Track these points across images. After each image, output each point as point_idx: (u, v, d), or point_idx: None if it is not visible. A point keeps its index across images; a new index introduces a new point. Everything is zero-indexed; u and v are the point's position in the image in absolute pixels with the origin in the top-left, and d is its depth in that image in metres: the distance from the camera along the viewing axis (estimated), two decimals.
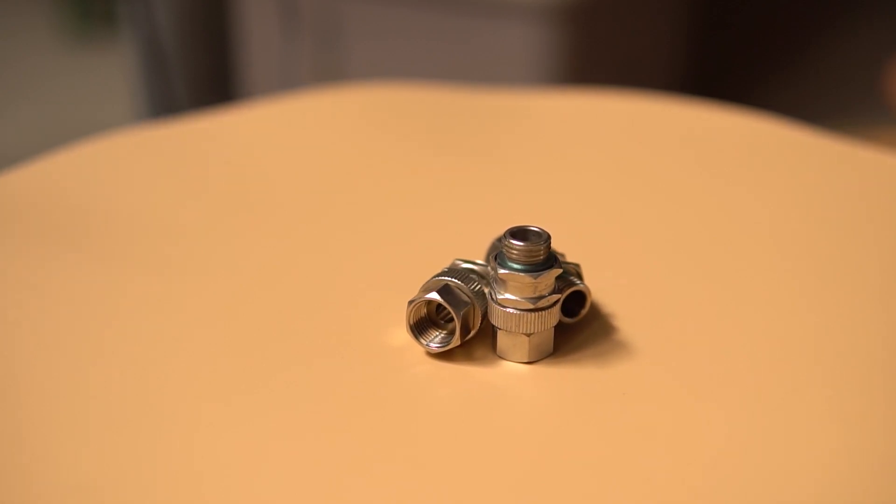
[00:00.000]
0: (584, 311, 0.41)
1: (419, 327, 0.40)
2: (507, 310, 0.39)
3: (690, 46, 1.63)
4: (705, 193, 0.53)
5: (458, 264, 0.41)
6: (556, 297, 0.39)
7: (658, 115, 0.60)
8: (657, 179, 0.54)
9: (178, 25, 1.42)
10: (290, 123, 0.59)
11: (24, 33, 2.03)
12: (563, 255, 0.42)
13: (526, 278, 0.38)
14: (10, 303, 0.43)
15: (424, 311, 0.40)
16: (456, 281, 0.40)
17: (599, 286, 0.43)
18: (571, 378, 0.39)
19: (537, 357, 0.40)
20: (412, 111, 0.60)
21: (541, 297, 0.39)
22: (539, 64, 1.22)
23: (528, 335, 0.39)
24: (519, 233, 0.39)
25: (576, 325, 0.41)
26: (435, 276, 0.40)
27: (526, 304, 0.39)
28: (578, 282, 0.41)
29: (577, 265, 0.41)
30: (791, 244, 0.48)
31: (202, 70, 1.46)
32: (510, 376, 0.39)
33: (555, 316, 0.39)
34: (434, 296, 0.39)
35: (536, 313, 0.39)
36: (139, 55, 1.44)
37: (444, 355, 0.40)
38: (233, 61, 1.45)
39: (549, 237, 0.39)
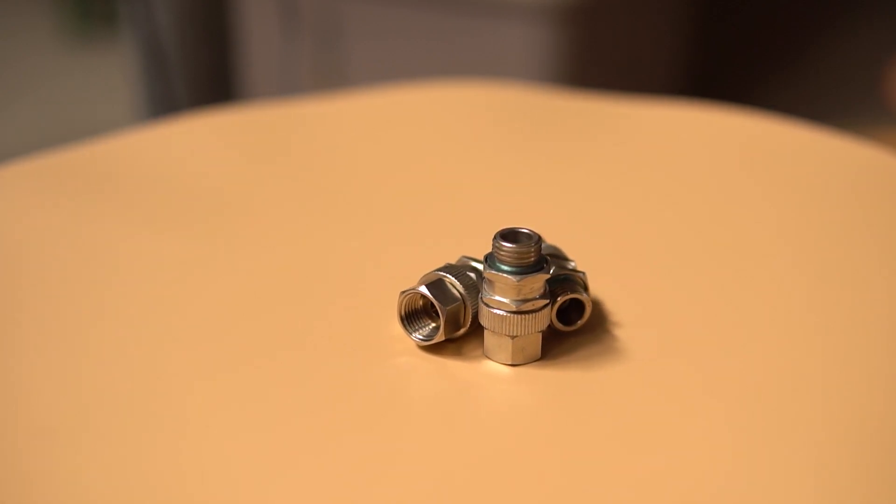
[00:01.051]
0: (580, 322, 0.41)
1: (411, 318, 0.40)
2: (493, 310, 0.39)
3: (690, 46, 1.63)
4: (705, 194, 0.53)
5: (465, 261, 0.41)
6: (542, 302, 0.39)
7: (662, 120, 0.60)
8: (663, 182, 0.54)
9: (178, 25, 1.42)
10: (387, 118, 0.59)
11: (25, 33, 2.03)
12: (571, 262, 0.41)
13: (510, 280, 0.39)
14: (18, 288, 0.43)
15: (420, 303, 0.40)
16: (451, 277, 0.40)
17: (601, 291, 0.43)
18: (552, 381, 0.39)
19: (522, 361, 0.40)
20: (513, 111, 0.61)
21: (526, 301, 0.39)
22: (539, 64, 1.22)
23: (512, 337, 0.39)
24: (509, 234, 0.39)
25: (574, 332, 0.41)
26: (435, 270, 0.40)
27: (510, 306, 0.39)
28: (581, 290, 0.40)
29: (584, 273, 0.41)
30: (791, 244, 0.48)
31: (202, 70, 1.46)
32: (489, 376, 0.39)
33: (542, 321, 0.39)
34: (422, 289, 0.39)
35: (520, 316, 0.39)
36: (139, 55, 1.44)
37: (434, 350, 0.40)
38: (233, 61, 1.45)
39: (539, 240, 0.39)
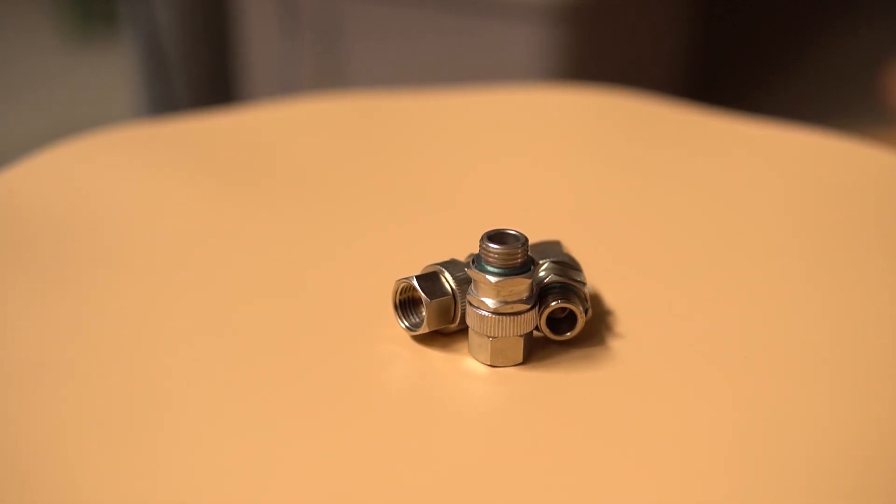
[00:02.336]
0: (569, 334, 0.40)
1: (405, 306, 0.41)
2: (473, 309, 0.39)
3: (690, 46, 1.63)
4: (704, 194, 0.53)
5: (472, 258, 0.41)
6: (524, 306, 0.39)
7: (660, 117, 0.60)
8: (659, 179, 0.54)
9: (178, 25, 1.43)
10: (498, 119, 0.60)
11: (26, 33, 2.03)
12: (581, 273, 0.41)
13: (489, 281, 0.39)
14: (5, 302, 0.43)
15: (415, 292, 0.41)
16: (447, 272, 0.40)
17: (613, 301, 0.43)
18: (528, 382, 0.39)
19: (502, 363, 0.40)
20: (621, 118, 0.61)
21: (506, 303, 0.39)
22: (539, 64, 1.22)
23: (490, 338, 0.39)
24: (496, 236, 0.39)
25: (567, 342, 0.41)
26: (437, 263, 0.41)
27: (489, 306, 0.39)
28: (577, 302, 0.40)
29: (587, 285, 0.41)
30: (790, 245, 0.48)
31: (202, 70, 1.46)
32: (464, 373, 0.40)
33: (523, 325, 0.39)
34: (413, 279, 0.40)
35: (498, 318, 0.39)
36: (140, 55, 1.45)
37: (422, 341, 0.41)
38: (233, 61, 1.45)
39: (525, 243, 0.39)
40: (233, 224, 0.49)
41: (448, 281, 0.40)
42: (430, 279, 0.40)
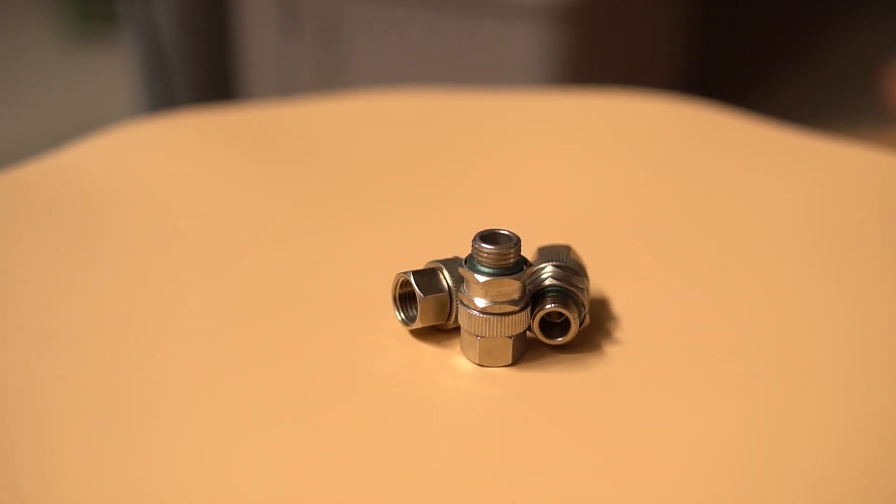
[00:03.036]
0: (560, 339, 0.40)
1: (404, 300, 0.41)
2: (464, 307, 0.39)
3: (690, 46, 1.63)
4: (704, 195, 0.53)
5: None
6: (512, 307, 0.39)
7: (658, 115, 0.60)
8: (660, 179, 0.54)
9: (178, 25, 1.42)
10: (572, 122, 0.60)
11: (25, 33, 2.03)
12: (584, 280, 0.41)
13: (478, 280, 0.39)
14: (8, 299, 0.43)
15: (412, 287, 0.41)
16: (447, 269, 0.40)
17: (600, 295, 0.43)
18: (513, 382, 0.39)
19: (490, 363, 0.40)
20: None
21: (495, 303, 0.39)
22: (539, 64, 1.22)
23: (479, 338, 0.39)
24: (489, 236, 0.39)
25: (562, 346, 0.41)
26: (437, 259, 0.41)
27: (477, 305, 0.39)
28: (573, 307, 0.40)
29: (583, 290, 0.40)
30: (790, 246, 0.48)
31: (202, 70, 1.46)
32: (450, 370, 0.40)
33: (511, 327, 0.39)
34: (409, 274, 0.40)
35: (485, 317, 0.39)
36: (140, 55, 1.44)
37: (419, 336, 0.41)
38: (233, 61, 1.45)
39: (517, 244, 0.39)
40: (266, 212, 0.50)
41: (446, 278, 0.40)
42: (427, 275, 0.40)
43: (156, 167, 0.54)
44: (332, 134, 0.58)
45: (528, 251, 0.40)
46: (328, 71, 1.31)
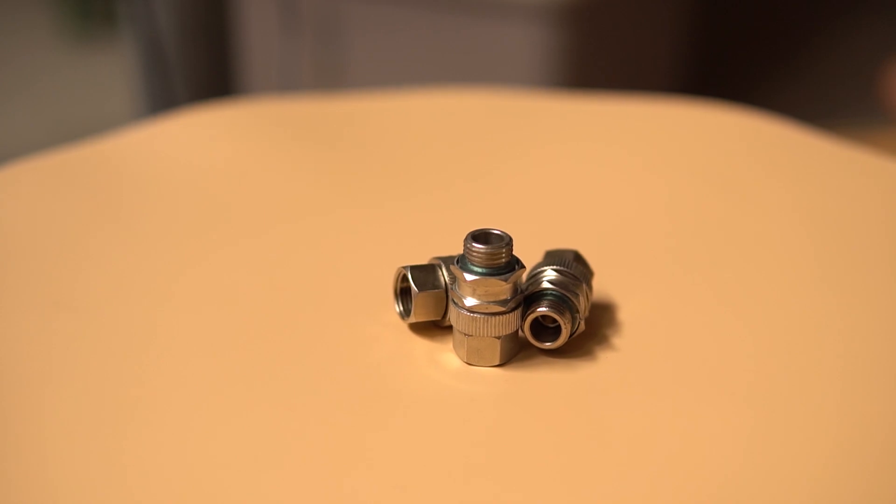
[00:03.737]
0: (549, 345, 0.40)
1: (404, 293, 0.41)
2: (454, 304, 0.39)
3: (690, 46, 1.63)
4: (703, 196, 0.53)
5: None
6: (500, 308, 0.39)
7: (658, 116, 0.60)
8: (661, 181, 0.54)
9: (178, 24, 1.42)
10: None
11: (25, 32, 2.03)
12: (582, 286, 0.40)
13: (465, 279, 0.39)
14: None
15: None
16: (445, 266, 0.40)
17: (608, 301, 0.43)
18: (497, 382, 0.39)
19: (477, 362, 0.40)
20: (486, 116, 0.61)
21: (483, 303, 0.39)
22: (539, 64, 1.22)
23: (466, 335, 0.39)
24: (481, 235, 0.39)
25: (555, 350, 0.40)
26: (438, 256, 0.41)
27: (465, 304, 0.39)
28: (566, 311, 0.39)
29: (579, 296, 0.40)
30: (790, 247, 0.48)
31: (202, 68, 1.46)
32: (438, 366, 0.40)
33: (500, 328, 0.39)
34: (407, 269, 0.40)
35: (472, 316, 0.39)
36: (139, 54, 1.44)
37: (416, 329, 0.41)
38: (233, 60, 1.45)
39: (507, 245, 0.39)
40: (296, 199, 0.51)
41: (444, 276, 0.40)
42: (425, 270, 0.40)
43: (205, 154, 0.55)
44: (390, 129, 0.58)
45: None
46: (328, 70, 1.31)
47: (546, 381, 0.39)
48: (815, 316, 0.43)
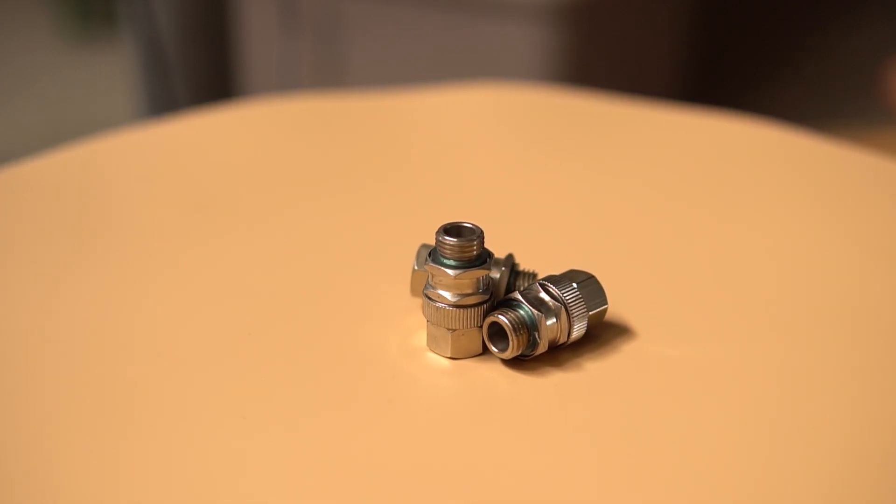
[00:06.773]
0: (497, 351, 0.39)
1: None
2: (434, 303, 0.40)
3: (690, 46, 1.63)
4: (703, 198, 0.53)
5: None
6: (451, 300, 0.39)
7: (660, 121, 0.60)
8: (659, 186, 0.54)
9: (178, 25, 1.42)
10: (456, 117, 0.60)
11: (25, 32, 2.03)
12: (559, 301, 0.40)
13: (424, 267, 0.40)
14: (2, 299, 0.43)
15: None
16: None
17: (624, 314, 0.43)
18: (489, 379, 0.39)
19: (434, 348, 0.40)
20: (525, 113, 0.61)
21: (434, 290, 0.39)
22: (539, 64, 1.22)
23: (427, 320, 0.40)
24: (452, 229, 0.39)
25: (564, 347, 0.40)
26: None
27: (447, 299, 0.39)
28: (520, 329, 0.39)
29: (553, 317, 0.39)
30: (790, 248, 0.48)
31: (202, 69, 1.46)
32: (435, 364, 0.40)
33: (453, 320, 0.39)
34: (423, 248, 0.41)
35: (427, 301, 0.40)
36: (139, 54, 1.44)
37: (416, 329, 0.41)
38: (233, 60, 1.45)
39: (481, 235, 0.39)
40: (308, 206, 0.51)
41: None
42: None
43: (204, 154, 0.55)
44: (390, 128, 0.58)
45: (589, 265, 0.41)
46: (328, 70, 1.31)
47: (546, 381, 0.39)
48: (818, 317, 0.43)
